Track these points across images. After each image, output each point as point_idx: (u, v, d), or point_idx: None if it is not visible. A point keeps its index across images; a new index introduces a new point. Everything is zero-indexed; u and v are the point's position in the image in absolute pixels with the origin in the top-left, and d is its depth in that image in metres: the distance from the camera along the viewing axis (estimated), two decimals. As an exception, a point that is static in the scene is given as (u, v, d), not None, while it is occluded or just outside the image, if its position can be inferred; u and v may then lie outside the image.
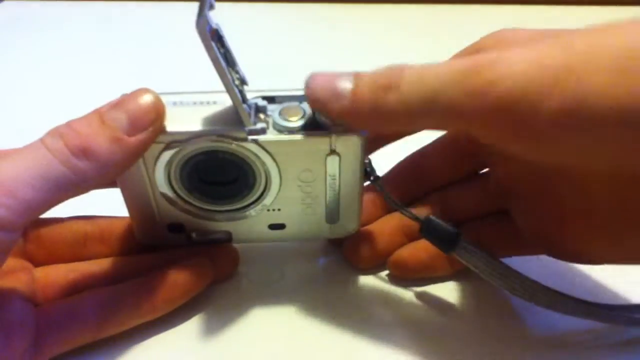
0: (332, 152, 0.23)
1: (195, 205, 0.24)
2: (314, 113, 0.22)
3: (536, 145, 0.18)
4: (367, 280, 0.27)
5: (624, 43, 0.16)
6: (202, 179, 0.24)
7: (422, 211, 0.26)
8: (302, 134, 0.22)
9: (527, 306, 0.24)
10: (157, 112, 0.21)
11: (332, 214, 0.25)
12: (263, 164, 0.23)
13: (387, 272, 0.28)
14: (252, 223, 0.25)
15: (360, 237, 0.27)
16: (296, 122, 0.22)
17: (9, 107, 0.41)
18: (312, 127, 0.22)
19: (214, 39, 0.19)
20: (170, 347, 0.24)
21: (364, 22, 0.52)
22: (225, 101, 0.21)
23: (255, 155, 0.22)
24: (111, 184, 0.24)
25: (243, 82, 0.22)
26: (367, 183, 0.25)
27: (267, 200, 0.24)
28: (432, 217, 0.25)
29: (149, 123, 0.20)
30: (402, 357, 0.24)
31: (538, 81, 0.17)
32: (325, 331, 0.25)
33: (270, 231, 0.26)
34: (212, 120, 0.22)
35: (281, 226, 0.26)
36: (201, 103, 0.22)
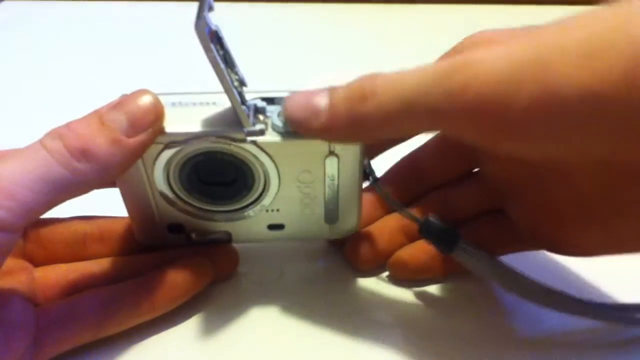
0: (331, 153, 0.23)
1: (194, 206, 0.24)
2: None
3: (515, 141, 0.18)
4: (366, 281, 0.27)
5: (588, 32, 0.16)
6: (201, 180, 0.24)
7: (420, 211, 0.26)
8: (301, 136, 0.22)
9: (527, 306, 0.24)
10: (157, 114, 0.21)
11: (331, 215, 0.25)
12: (262, 165, 0.23)
13: (386, 272, 0.28)
14: (251, 223, 0.25)
15: (361, 238, 0.27)
16: None
17: (9, 107, 0.41)
18: None
19: (213, 41, 0.19)
20: (170, 347, 0.24)
21: (364, 23, 0.52)
22: (224, 102, 0.22)
23: (254, 156, 0.22)
24: (110, 184, 0.24)
25: (242, 83, 0.22)
26: (367, 184, 0.25)
27: (266, 200, 0.24)
28: (431, 218, 0.25)
29: (149, 124, 0.20)
30: (401, 357, 0.24)
31: (508, 77, 0.17)
32: (324, 331, 0.25)
33: (270, 231, 0.26)
34: (211, 121, 0.22)
35: (280, 226, 0.26)
36: (200, 104, 0.22)
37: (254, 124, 0.22)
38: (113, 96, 0.21)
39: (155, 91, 0.21)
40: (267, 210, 0.25)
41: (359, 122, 0.19)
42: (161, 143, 0.22)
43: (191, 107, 0.22)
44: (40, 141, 0.19)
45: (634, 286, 0.26)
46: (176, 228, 0.25)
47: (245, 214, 0.25)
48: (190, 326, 0.25)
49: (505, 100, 0.17)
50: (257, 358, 0.24)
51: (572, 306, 0.23)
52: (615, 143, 0.17)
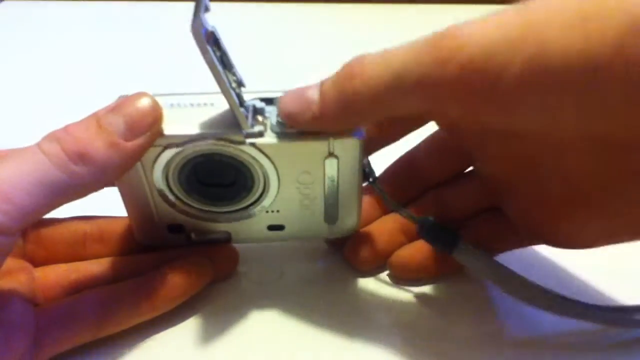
0: (331, 154, 0.23)
1: (193, 207, 0.24)
2: None
3: (505, 112, 0.18)
4: (366, 281, 0.27)
5: None
6: (201, 181, 0.24)
7: (418, 211, 0.26)
8: (300, 137, 0.22)
9: (525, 308, 0.24)
10: (155, 117, 0.21)
11: (331, 215, 0.25)
12: (261, 166, 0.23)
13: (386, 272, 0.28)
14: (251, 224, 0.25)
15: (360, 239, 0.27)
16: None
17: (9, 107, 0.41)
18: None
19: (209, 42, 0.19)
20: (170, 347, 0.24)
21: (364, 23, 0.52)
22: (223, 103, 0.21)
23: (253, 158, 0.22)
24: (109, 184, 0.24)
25: (240, 84, 0.22)
26: (367, 184, 0.25)
27: (266, 202, 0.24)
28: (431, 219, 0.25)
29: (147, 127, 0.20)
30: (401, 358, 0.24)
31: (499, 43, 0.17)
32: (324, 331, 0.25)
33: (270, 232, 0.26)
34: (209, 123, 0.22)
35: (280, 227, 0.26)
36: (198, 105, 0.22)
37: (252, 126, 0.22)
38: (112, 96, 0.21)
39: (154, 92, 0.21)
40: (267, 211, 0.25)
41: (349, 102, 0.20)
42: (160, 145, 0.22)
43: (189, 108, 0.22)
44: (38, 144, 0.19)
45: (633, 287, 0.26)
46: (176, 228, 0.25)
47: (245, 214, 0.25)
48: (190, 326, 0.25)
49: (496, 67, 0.17)
50: (257, 358, 0.24)
51: (571, 309, 0.23)
52: (606, 115, 0.17)
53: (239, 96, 0.21)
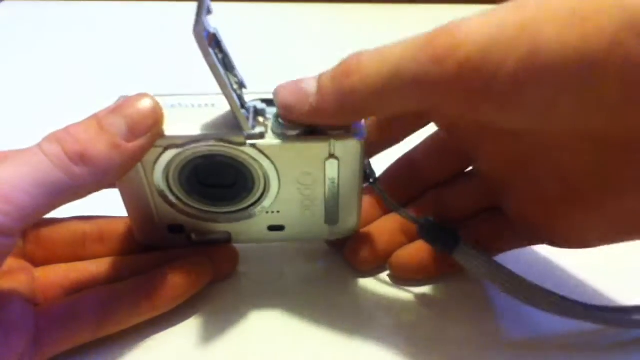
0: (331, 156, 0.23)
1: (194, 208, 0.24)
2: None
3: (501, 107, 0.18)
4: (366, 281, 0.27)
5: None
6: (201, 182, 0.24)
7: (418, 211, 0.26)
8: (301, 139, 0.22)
9: (525, 308, 0.24)
10: (156, 118, 0.21)
11: (332, 216, 0.25)
12: (262, 167, 0.23)
13: (387, 272, 0.28)
14: (251, 225, 0.25)
15: (360, 239, 0.27)
16: (295, 126, 0.22)
17: (9, 107, 0.41)
18: (311, 131, 0.22)
19: (211, 45, 0.19)
20: (170, 347, 0.24)
21: (364, 23, 0.52)
22: (224, 104, 0.21)
23: (254, 159, 0.22)
24: (110, 185, 0.24)
25: (242, 85, 0.22)
26: (368, 185, 0.25)
27: (266, 202, 0.24)
28: (431, 219, 0.25)
29: (148, 129, 0.20)
30: (401, 358, 0.24)
31: (496, 41, 0.17)
32: (324, 332, 0.25)
33: (270, 232, 0.26)
34: (210, 124, 0.22)
35: (280, 228, 0.26)
36: (199, 106, 0.22)
37: (253, 127, 0.22)
38: (113, 97, 0.21)
39: (155, 92, 0.21)
40: (267, 212, 0.25)
41: (347, 98, 0.20)
42: (160, 146, 0.22)
43: (190, 109, 0.22)
44: (39, 145, 0.19)
45: (632, 288, 0.26)
46: (176, 228, 0.25)
47: (246, 215, 0.25)
48: (190, 326, 0.25)
49: (493, 65, 0.17)
50: (257, 358, 0.24)
51: (570, 309, 0.23)
52: (602, 113, 0.17)
53: (240, 97, 0.21)
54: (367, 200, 0.27)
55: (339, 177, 0.23)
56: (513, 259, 0.25)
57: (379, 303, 0.26)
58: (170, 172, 0.23)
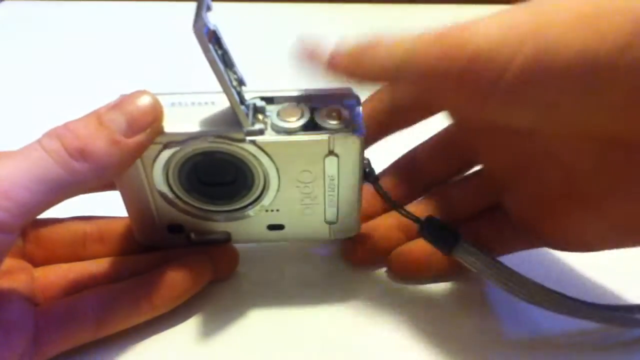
0: (331, 152, 0.22)
1: (193, 206, 0.24)
2: (312, 114, 0.22)
3: (505, 104, 0.18)
4: (367, 281, 0.27)
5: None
6: (201, 180, 0.24)
7: (420, 209, 0.26)
8: (301, 135, 0.22)
9: (526, 307, 0.24)
10: (155, 114, 0.21)
11: (332, 215, 0.25)
12: (261, 164, 0.23)
13: (387, 273, 0.27)
14: (250, 223, 0.25)
15: (358, 235, 0.27)
16: (294, 122, 0.22)
17: (9, 107, 0.41)
18: (310, 128, 0.22)
19: (211, 41, 0.19)
20: (170, 347, 0.24)
21: (364, 23, 0.52)
22: (223, 102, 0.21)
23: (254, 156, 0.22)
24: (109, 186, 0.24)
25: (241, 82, 0.22)
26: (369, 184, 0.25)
27: (266, 200, 0.24)
28: (432, 218, 0.25)
29: (147, 125, 0.20)
30: (402, 358, 0.24)
31: (505, 38, 0.17)
32: (324, 332, 0.25)
33: (270, 232, 0.26)
34: (210, 121, 0.22)
35: (280, 227, 0.26)
36: (199, 104, 0.22)
37: (253, 124, 0.22)
38: (113, 96, 0.21)
39: (155, 91, 0.21)
40: (266, 211, 0.25)
41: (359, 71, 0.20)
42: (160, 143, 0.22)
43: (190, 107, 0.22)
44: (39, 141, 0.19)
45: (633, 286, 0.26)
46: (176, 228, 0.25)
47: (245, 214, 0.25)
48: (190, 326, 0.25)
49: (500, 61, 0.17)
50: (257, 358, 0.24)
51: (571, 307, 0.23)
52: (607, 116, 0.17)
53: (240, 94, 0.21)
54: (367, 198, 0.27)
55: (338, 174, 0.23)
56: (513, 258, 0.25)
57: (379, 304, 0.26)
58: (170, 170, 0.23)
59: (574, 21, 0.16)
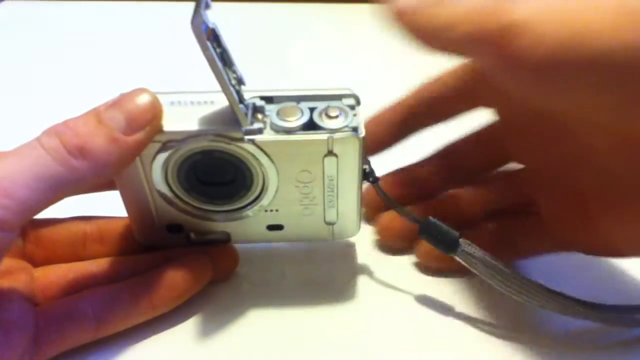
0: (330, 152, 0.22)
1: (193, 205, 0.24)
2: (312, 114, 0.22)
3: (538, 79, 0.18)
4: (368, 282, 0.27)
5: None
6: (200, 179, 0.24)
7: (450, 203, 0.27)
8: (300, 135, 0.22)
9: (526, 306, 0.24)
10: (155, 112, 0.21)
11: (331, 216, 0.25)
12: (260, 164, 0.23)
13: (389, 274, 0.27)
14: (250, 223, 0.25)
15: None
16: (294, 122, 0.22)
17: (9, 107, 0.41)
18: (309, 127, 0.22)
19: (209, 39, 0.19)
20: (169, 347, 0.24)
21: (364, 23, 0.52)
22: (223, 101, 0.21)
23: (253, 155, 0.22)
24: (109, 186, 0.24)
25: (240, 82, 0.22)
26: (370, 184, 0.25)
27: (265, 200, 0.24)
28: (432, 219, 0.25)
29: (146, 122, 0.20)
30: (402, 358, 0.24)
31: (543, 15, 0.17)
32: (324, 333, 0.25)
33: (269, 232, 0.26)
34: (209, 120, 0.22)
35: (279, 227, 0.26)
36: (199, 103, 0.22)
37: (252, 123, 0.22)
38: (112, 96, 0.21)
39: (154, 90, 0.21)
40: (265, 211, 0.25)
41: (428, 24, 0.21)
42: (159, 142, 0.22)
43: (189, 106, 0.22)
44: (38, 139, 0.19)
45: (635, 286, 0.26)
46: (175, 228, 0.25)
47: (244, 214, 0.25)
48: (190, 326, 0.25)
49: (535, 33, 0.17)
50: (257, 359, 0.24)
51: (572, 307, 0.23)
52: (629, 109, 0.17)
53: (239, 93, 0.21)
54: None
55: (338, 174, 0.23)
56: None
57: (380, 304, 0.26)
58: (169, 169, 0.23)
59: (612, 14, 0.16)
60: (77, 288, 0.24)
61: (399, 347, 0.24)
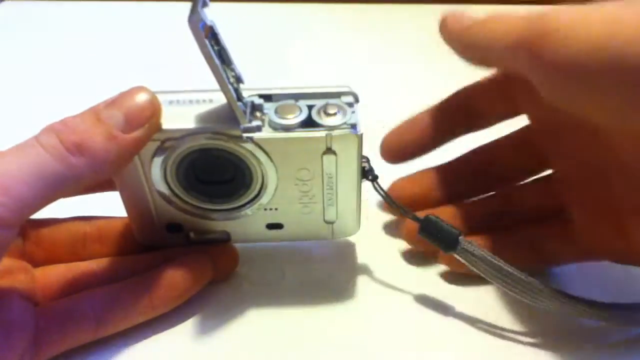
0: (328, 150, 0.22)
1: (192, 204, 0.24)
2: (310, 111, 0.22)
3: (576, 86, 0.19)
4: (368, 283, 0.27)
5: None
6: (199, 178, 0.24)
7: (482, 206, 0.27)
8: (298, 132, 0.22)
9: (527, 305, 0.24)
10: (153, 110, 0.21)
11: (331, 214, 0.25)
12: (259, 162, 0.23)
13: (390, 275, 0.27)
14: (249, 222, 0.25)
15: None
16: (292, 120, 0.22)
17: (9, 107, 0.41)
18: (308, 125, 0.22)
19: (207, 36, 0.19)
20: (170, 347, 0.24)
21: (364, 23, 0.52)
22: (221, 99, 0.21)
23: (251, 153, 0.22)
24: (109, 186, 0.24)
25: (239, 80, 0.22)
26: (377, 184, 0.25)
27: (264, 199, 0.24)
28: (432, 217, 0.25)
29: (145, 120, 0.20)
30: (402, 358, 0.24)
31: (583, 24, 0.18)
32: (325, 333, 0.25)
33: (268, 231, 0.26)
34: (208, 118, 0.22)
35: (279, 226, 0.25)
36: (197, 101, 0.22)
37: (250, 121, 0.22)
38: (112, 95, 0.21)
39: (153, 89, 0.21)
40: (265, 209, 0.25)
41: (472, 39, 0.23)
42: (158, 140, 0.22)
43: (188, 104, 0.22)
44: (36, 137, 0.19)
45: (633, 286, 0.26)
46: (175, 227, 0.25)
47: (243, 212, 0.25)
48: (190, 326, 0.25)
49: (574, 40, 0.18)
50: (257, 359, 0.24)
51: (574, 306, 0.23)
52: None
53: (237, 91, 0.21)
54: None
55: (336, 172, 0.23)
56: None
57: (380, 305, 0.26)
58: (168, 168, 0.23)
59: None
60: (77, 288, 0.24)
61: (399, 347, 0.24)
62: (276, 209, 0.25)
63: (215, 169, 0.23)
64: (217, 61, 0.19)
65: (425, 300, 0.26)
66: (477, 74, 0.26)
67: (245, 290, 0.27)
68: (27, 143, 0.19)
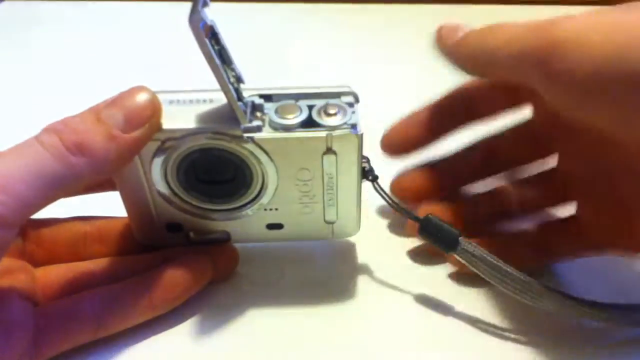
0: (329, 150, 0.22)
1: (192, 204, 0.24)
2: (310, 111, 0.22)
3: (584, 96, 0.19)
4: (368, 283, 0.27)
5: None
6: (199, 178, 0.24)
7: (487, 200, 0.27)
8: (298, 132, 0.22)
9: (527, 305, 0.24)
10: (153, 110, 0.21)
11: (331, 214, 0.25)
12: (259, 162, 0.23)
13: (388, 273, 0.27)
14: (249, 222, 0.25)
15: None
16: (292, 120, 0.22)
17: (9, 107, 0.41)
18: (308, 125, 0.22)
19: (208, 36, 0.19)
20: (170, 347, 0.24)
21: (364, 23, 0.52)
22: (222, 99, 0.21)
23: (252, 153, 0.22)
24: (109, 186, 0.24)
25: (239, 80, 0.22)
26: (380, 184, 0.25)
27: (264, 199, 0.24)
28: (432, 217, 0.25)
29: (145, 120, 0.20)
30: (402, 358, 0.24)
31: (591, 33, 0.18)
32: (325, 333, 0.25)
33: (269, 231, 0.26)
34: (208, 118, 0.22)
35: (279, 226, 0.25)
36: (197, 101, 0.22)
37: (251, 121, 0.22)
38: (112, 95, 0.21)
39: (153, 89, 0.21)
40: (265, 209, 0.25)
41: (478, 51, 0.23)
42: (158, 140, 0.22)
43: (188, 104, 0.22)
44: (36, 137, 0.19)
45: (634, 285, 0.26)
46: (175, 227, 0.25)
47: (244, 212, 0.25)
48: (190, 326, 0.25)
49: (583, 50, 0.18)
50: (257, 359, 0.24)
51: (574, 306, 0.23)
52: None
53: (238, 91, 0.21)
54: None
55: (337, 172, 0.23)
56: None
57: (380, 305, 0.26)
58: (168, 168, 0.23)
59: None
60: (77, 288, 0.24)
61: (399, 347, 0.24)
62: (276, 209, 0.25)
63: (216, 169, 0.23)
64: (217, 61, 0.19)
65: (425, 300, 0.26)
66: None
67: (245, 290, 0.27)
68: (27, 143, 0.19)
